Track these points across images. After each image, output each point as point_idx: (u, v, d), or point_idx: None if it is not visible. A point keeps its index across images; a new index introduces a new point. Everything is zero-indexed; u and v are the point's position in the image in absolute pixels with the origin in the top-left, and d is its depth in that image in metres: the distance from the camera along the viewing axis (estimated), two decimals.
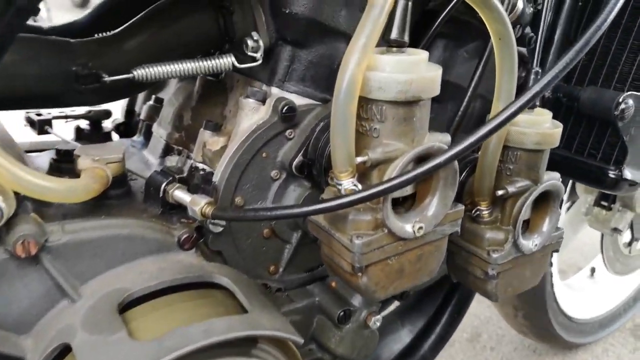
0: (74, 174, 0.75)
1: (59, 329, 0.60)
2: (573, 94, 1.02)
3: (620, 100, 0.94)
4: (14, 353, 0.59)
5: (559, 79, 0.59)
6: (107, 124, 1.15)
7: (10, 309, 0.60)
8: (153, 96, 1.06)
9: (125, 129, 1.13)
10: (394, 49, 0.63)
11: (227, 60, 0.74)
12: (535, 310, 1.61)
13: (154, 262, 0.68)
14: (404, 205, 0.70)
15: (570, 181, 1.54)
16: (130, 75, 0.70)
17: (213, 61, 0.74)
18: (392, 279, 0.69)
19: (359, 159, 0.62)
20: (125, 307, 0.62)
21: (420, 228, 0.67)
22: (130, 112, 1.14)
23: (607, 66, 1.03)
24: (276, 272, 0.84)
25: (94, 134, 1.11)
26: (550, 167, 0.89)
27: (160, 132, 0.95)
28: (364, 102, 0.63)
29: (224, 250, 0.77)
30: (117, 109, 1.18)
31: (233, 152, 0.74)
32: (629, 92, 0.95)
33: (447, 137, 0.68)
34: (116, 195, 0.74)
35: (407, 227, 0.67)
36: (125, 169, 0.76)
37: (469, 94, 0.84)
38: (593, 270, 1.97)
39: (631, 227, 1.68)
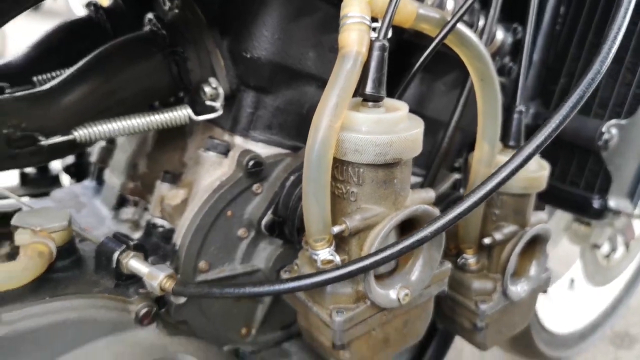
0: (10, 239, 0.67)
1: None
2: None
3: (604, 130, 0.90)
4: None
5: (551, 139, 0.54)
6: (55, 165, 1.05)
7: None
8: None
9: (76, 170, 1.04)
10: (370, 103, 0.56)
11: (183, 113, 0.67)
12: None
13: (108, 346, 0.60)
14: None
15: None
16: (70, 137, 0.61)
17: (166, 115, 0.66)
18: (377, 350, 0.63)
19: (336, 229, 0.56)
20: None
21: (406, 295, 0.61)
22: (81, 152, 1.05)
23: None
24: (248, 334, 0.77)
25: (40, 179, 1.02)
26: None
27: (113, 180, 0.86)
28: (339, 164, 0.57)
29: (190, 319, 0.69)
30: None
31: (194, 215, 0.67)
32: (612, 121, 0.91)
33: (430, 194, 0.62)
34: (63, 267, 0.65)
35: (392, 294, 0.61)
36: (73, 235, 0.68)
37: (448, 134, 0.78)
38: (572, 281, 1.96)
39: (610, 238, 1.67)
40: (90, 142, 0.63)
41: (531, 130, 1.01)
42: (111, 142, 0.95)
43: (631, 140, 0.94)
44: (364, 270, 0.53)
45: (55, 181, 1.03)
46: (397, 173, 0.57)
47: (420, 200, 0.60)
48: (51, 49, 0.86)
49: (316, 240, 0.56)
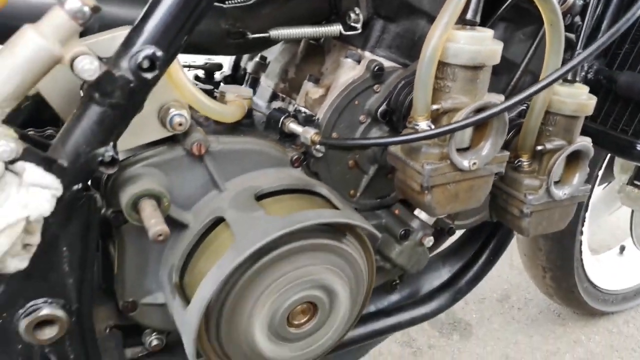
0: None
1: (213, 208, 0.86)
2: (612, 77, 1.20)
3: None
4: (183, 221, 0.86)
5: (592, 57, 0.79)
6: (217, 75, 1.41)
7: (181, 191, 0.87)
8: (259, 54, 1.31)
9: (232, 80, 1.39)
10: (468, 26, 0.85)
11: (336, 28, 0.98)
12: (562, 273, 1.81)
13: (275, 172, 0.94)
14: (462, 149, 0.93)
15: (606, 161, 1.72)
16: (267, 35, 0.94)
17: (326, 28, 0.98)
18: (449, 201, 0.92)
19: (434, 107, 0.85)
20: (257, 198, 0.88)
21: (474, 163, 0.90)
22: (236, 66, 1.40)
23: None
24: (355, 196, 1.08)
25: (207, 82, 1.38)
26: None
27: (268, 82, 1.20)
28: (441, 65, 0.86)
29: (320, 172, 1.02)
30: (225, 63, 1.44)
31: (334, 99, 0.98)
32: None
33: (501, 97, 0.90)
34: (246, 123, 1.00)
35: (465, 162, 0.89)
36: (252, 105, 1.02)
37: (521, 68, 1.04)
38: (623, 248, 2.13)
39: None
40: (277, 40, 0.96)
41: (592, 84, 1.25)
42: (263, 59, 1.29)
43: None
44: (451, 131, 0.82)
45: (217, 85, 1.39)
46: (480, 75, 0.85)
47: (493, 98, 0.88)
48: None
49: (420, 115, 0.86)
